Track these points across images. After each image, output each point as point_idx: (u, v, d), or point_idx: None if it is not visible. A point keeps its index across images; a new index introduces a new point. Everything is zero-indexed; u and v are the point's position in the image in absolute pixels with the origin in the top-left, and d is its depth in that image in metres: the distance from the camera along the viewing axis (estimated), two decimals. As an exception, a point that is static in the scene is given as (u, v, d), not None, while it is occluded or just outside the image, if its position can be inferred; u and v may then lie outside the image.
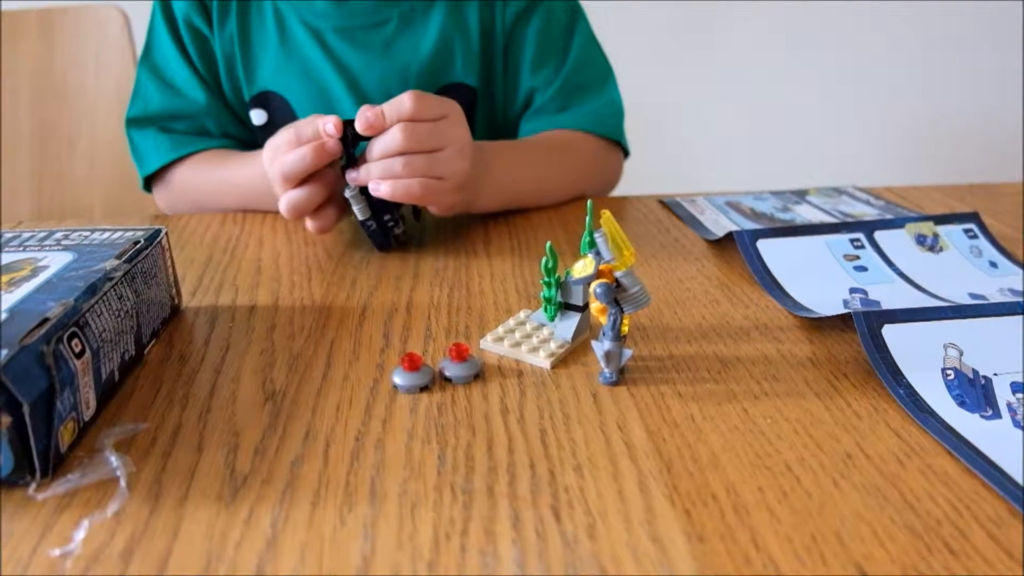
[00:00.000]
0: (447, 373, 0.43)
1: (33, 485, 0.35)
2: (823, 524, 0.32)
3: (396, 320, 0.51)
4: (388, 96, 0.68)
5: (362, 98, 0.77)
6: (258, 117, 0.79)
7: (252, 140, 0.82)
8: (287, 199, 0.60)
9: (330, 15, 0.77)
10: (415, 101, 0.58)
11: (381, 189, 0.58)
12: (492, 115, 0.83)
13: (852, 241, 0.60)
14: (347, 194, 0.60)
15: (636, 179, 0.85)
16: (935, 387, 0.41)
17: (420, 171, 0.58)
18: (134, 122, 0.79)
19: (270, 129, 0.76)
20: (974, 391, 0.41)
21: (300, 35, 0.77)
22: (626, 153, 0.84)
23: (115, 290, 0.43)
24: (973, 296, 0.54)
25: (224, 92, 0.80)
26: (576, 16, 0.82)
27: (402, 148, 0.57)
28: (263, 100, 0.79)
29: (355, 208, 0.60)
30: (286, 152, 0.59)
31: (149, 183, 0.80)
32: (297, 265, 0.61)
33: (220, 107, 0.79)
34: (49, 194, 1.11)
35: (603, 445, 0.38)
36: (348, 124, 0.58)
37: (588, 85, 0.81)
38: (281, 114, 0.78)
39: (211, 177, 0.76)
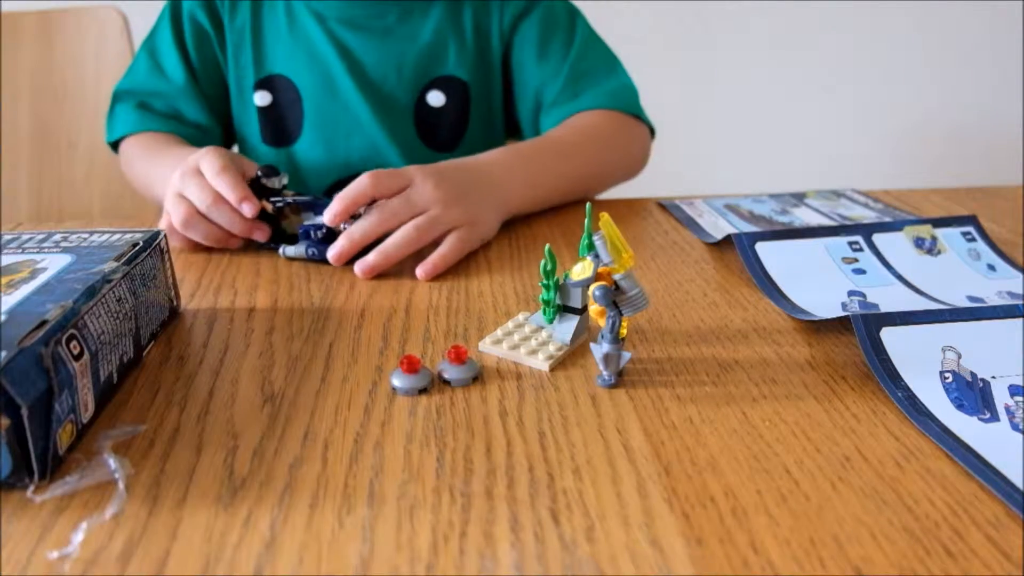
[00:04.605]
0: (446, 375, 0.43)
1: (31, 487, 0.35)
2: (821, 527, 0.32)
3: (395, 322, 0.51)
4: (385, 78, 0.80)
5: (361, 79, 0.82)
6: (261, 99, 0.84)
7: (225, 136, 0.87)
8: (210, 232, 0.61)
9: (335, 7, 0.81)
10: (372, 180, 0.58)
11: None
12: (488, 112, 0.87)
13: (850, 244, 0.60)
14: (288, 253, 0.62)
15: (634, 181, 0.84)
16: (933, 390, 0.41)
17: (415, 243, 0.58)
18: (118, 94, 0.84)
19: (272, 110, 0.83)
20: (972, 394, 0.41)
21: (308, 22, 0.82)
22: (652, 132, 0.85)
23: (114, 292, 0.43)
24: (971, 299, 0.54)
25: (227, 81, 0.84)
26: (575, 15, 0.86)
27: (381, 227, 0.58)
28: (268, 83, 0.83)
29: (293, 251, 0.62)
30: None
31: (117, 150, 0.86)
32: (296, 267, 0.61)
33: (198, 93, 0.83)
34: (48, 195, 1.11)
35: (602, 448, 0.38)
36: (254, 182, 0.61)
37: (595, 70, 0.83)
38: (286, 95, 0.83)
39: (142, 166, 0.79)
